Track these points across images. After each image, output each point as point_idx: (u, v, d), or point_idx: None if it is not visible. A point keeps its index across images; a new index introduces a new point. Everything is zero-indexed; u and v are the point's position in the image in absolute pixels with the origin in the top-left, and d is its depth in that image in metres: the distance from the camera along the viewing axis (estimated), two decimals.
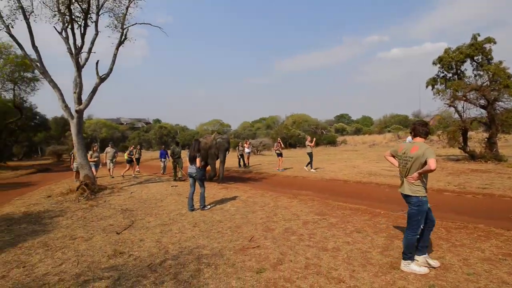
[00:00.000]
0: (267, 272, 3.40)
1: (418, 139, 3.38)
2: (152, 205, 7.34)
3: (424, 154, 3.16)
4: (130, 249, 4.34)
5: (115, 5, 10.79)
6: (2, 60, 21.45)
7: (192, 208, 6.50)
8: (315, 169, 13.01)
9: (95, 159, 11.82)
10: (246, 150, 16.66)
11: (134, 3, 10.89)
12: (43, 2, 9.93)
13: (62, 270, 3.72)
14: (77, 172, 11.35)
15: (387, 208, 6.13)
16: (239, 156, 16.64)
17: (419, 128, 3.36)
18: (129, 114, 75.05)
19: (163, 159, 14.66)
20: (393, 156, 3.71)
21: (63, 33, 9.83)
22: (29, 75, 23.52)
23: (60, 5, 9.62)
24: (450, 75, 15.04)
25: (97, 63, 10.47)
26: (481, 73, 13.72)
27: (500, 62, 12.98)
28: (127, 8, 10.78)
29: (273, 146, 27.99)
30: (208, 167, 11.08)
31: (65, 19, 9.73)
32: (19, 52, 19.28)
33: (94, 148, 12.27)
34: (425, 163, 3.15)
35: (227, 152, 11.16)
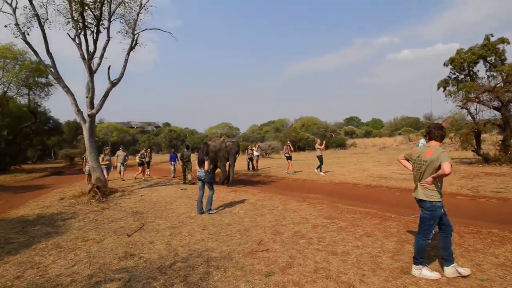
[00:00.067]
0: (276, 276, 3.39)
1: (433, 142, 3.30)
2: (162, 208, 7.42)
3: (438, 158, 3.09)
4: (141, 251, 4.40)
5: (126, 12, 11.06)
6: (18, 66, 22.12)
7: (201, 211, 6.55)
8: (324, 172, 12.93)
9: (107, 162, 12.00)
10: (255, 153, 16.68)
11: (145, 9, 11.13)
12: (57, 10, 10.26)
13: (75, 271, 3.79)
14: (89, 175, 11.55)
15: (398, 212, 6.04)
16: (248, 160, 16.66)
17: (435, 131, 3.28)
18: (139, 118, 76.24)
19: (173, 162, 14.79)
20: (407, 160, 3.65)
21: (76, 39, 10.09)
22: (43, 80, 24.16)
23: (73, 12, 9.88)
24: (462, 76, 14.77)
25: (109, 68, 10.71)
26: (495, 74, 13.44)
27: None
28: (137, 14, 11.01)
29: (281, 149, 27.98)
30: (218, 170, 11.13)
31: (78, 26, 9.99)
32: (34, 58, 19.84)
33: (106, 152, 12.46)
34: (440, 167, 3.08)
35: (237, 156, 11.19)
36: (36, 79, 23.63)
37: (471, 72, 14.42)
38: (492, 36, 13.54)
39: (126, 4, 10.87)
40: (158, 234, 5.21)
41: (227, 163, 11.09)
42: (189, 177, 12.12)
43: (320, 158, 12.86)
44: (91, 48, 10.29)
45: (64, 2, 9.94)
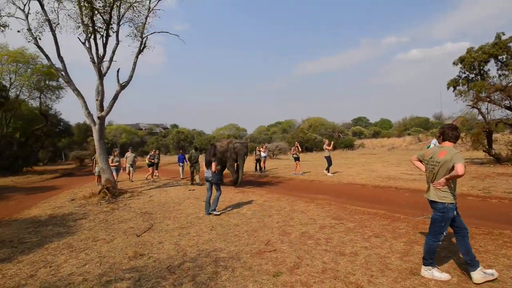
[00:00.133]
0: (283, 276, 3.40)
1: (446, 143, 3.25)
2: (170, 208, 7.50)
3: (452, 159, 3.04)
4: (150, 251, 4.46)
5: (135, 15, 11.21)
6: (29, 70, 22.67)
7: (209, 212, 6.59)
8: (332, 173, 12.87)
9: (116, 164, 12.15)
10: (262, 154, 16.69)
11: (153, 13, 11.27)
12: (68, 15, 10.47)
13: (86, 270, 3.87)
14: (99, 176, 11.71)
15: (407, 213, 5.98)
16: (256, 161, 16.68)
17: (449, 132, 3.23)
18: (147, 120, 77.01)
19: (181, 164, 14.90)
20: (420, 161, 3.61)
21: (87, 43, 10.29)
22: (54, 83, 24.74)
23: (83, 17, 10.07)
24: (473, 75, 14.57)
25: (118, 71, 10.86)
26: (506, 72, 13.24)
27: None
28: (146, 18, 11.16)
29: (289, 150, 27.93)
30: (226, 171, 11.16)
31: (89, 30, 10.17)
32: (45, 62, 20.34)
33: (115, 153, 12.61)
34: (453, 168, 3.03)
35: (245, 157, 11.21)
36: (47, 82, 24.25)
37: (481, 71, 14.21)
38: (504, 34, 13.34)
39: (135, 8, 11.03)
40: (167, 234, 5.26)
41: (235, 164, 11.13)
42: (197, 179, 12.16)
43: (328, 159, 12.80)
44: (100, 51, 10.47)
45: (74, 7, 10.17)
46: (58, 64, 10.10)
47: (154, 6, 11.17)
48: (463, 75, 14.76)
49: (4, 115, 22.38)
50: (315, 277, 3.34)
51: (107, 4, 10.07)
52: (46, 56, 9.99)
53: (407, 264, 3.57)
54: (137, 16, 11.22)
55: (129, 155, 14.34)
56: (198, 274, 3.56)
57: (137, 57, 11.07)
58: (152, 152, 15.20)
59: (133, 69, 11.00)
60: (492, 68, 14.02)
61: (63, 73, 10.08)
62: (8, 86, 21.86)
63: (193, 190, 10.44)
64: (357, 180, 10.88)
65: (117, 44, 10.79)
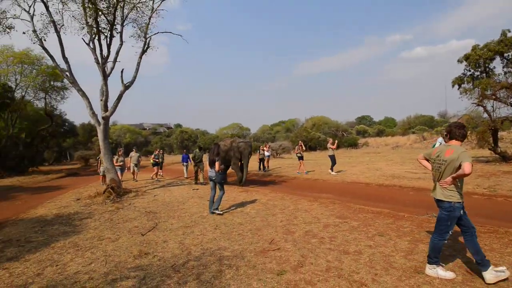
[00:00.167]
0: (287, 274, 3.41)
1: (453, 142, 3.22)
2: (174, 207, 7.54)
3: (459, 158, 3.01)
4: (155, 250, 4.49)
5: (138, 16, 11.29)
6: (35, 71, 22.87)
7: (212, 211, 6.62)
8: (336, 172, 12.83)
9: (121, 163, 12.22)
10: (266, 153, 16.69)
11: (156, 13, 11.33)
12: (72, 16, 10.55)
13: (92, 269, 3.91)
14: (104, 176, 11.81)
15: (411, 211, 5.95)
16: (260, 160, 16.69)
17: (456, 130, 3.20)
18: (151, 120, 77.24)
19: (185, 163, 14.96)
20: (427, 160, 3.59)
21: (91, 44, 10.37)
22: (59, 84, 24.92)
23: (88, 18, 10.15)
24: (478, 73, 14.44)
25: (122, 71, 10.93)
26: None
27: None
28: (149, 18, 11.21)
29: (292, 149, 27.90)
30: (230, 170, 11.17)
31: (93, 31, 10.25)
32: (50, 63, 20.51)
33: (119, 153, 12.69)
34: (460, 167, 3.00)
35: (249, 156, 11.22)
36: (52, 83, 24.42)
37: (487, 69, 14.07)
38: (509, 31, 13.20)
39: (138, 9, 11.09)
40: (171, 233, 5.30)
41: (239, 163, 11.14)
42: (201, 178, 12.21)
43: (332, 158, 12.77)
44: (104, 52, 10.55)
45: (79, 8, 10.24)
46: (63, 65, 10.21)
47: (158, 7, 11.24)
48: (468, 73, 14.64)
49: (10, 116, 22.62)
50: (319, 275, 3.35)
51: (111, 5, 10.15)
52: (51, 57, 10.09)
53: (411, 262, 3.56)
54: (140, 16, 11.30)
55: (134, 154, 14.44)
56: (202, 272, 3.59)
57: (140, 57, 11.13)
58: (156, 152, 15.28)
59: (137, 69, 11.06)
60: (497, 65, 13.92)
61: (67, 73, 10.16)
62: (14, 87, 22.07)
63: (197, 189, 10.48)
64: (361, 179, 10.85)
65: (121, 44, 10.86)
